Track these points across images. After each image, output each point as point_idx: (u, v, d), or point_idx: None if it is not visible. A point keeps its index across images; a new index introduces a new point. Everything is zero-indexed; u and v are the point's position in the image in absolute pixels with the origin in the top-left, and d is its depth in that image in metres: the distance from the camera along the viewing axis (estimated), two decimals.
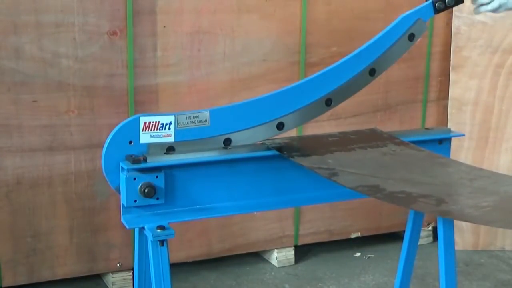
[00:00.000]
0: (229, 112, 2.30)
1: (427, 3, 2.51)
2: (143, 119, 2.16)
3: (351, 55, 2.47)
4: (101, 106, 3.36)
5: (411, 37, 2.49)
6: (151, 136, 2.18)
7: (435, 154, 2.39)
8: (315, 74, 2.44)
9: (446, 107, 4.09)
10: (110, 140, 2.14)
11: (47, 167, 3.32)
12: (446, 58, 4.06)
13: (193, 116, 2.22)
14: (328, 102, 2.42)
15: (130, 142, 2.16)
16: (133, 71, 3.38)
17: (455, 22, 3.99)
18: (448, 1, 2.49)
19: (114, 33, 3.33)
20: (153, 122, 2.17)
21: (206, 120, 2.24)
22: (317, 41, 3.76)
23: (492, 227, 3.98)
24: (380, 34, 2.48)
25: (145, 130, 2.17)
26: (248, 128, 2.32)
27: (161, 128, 2.19)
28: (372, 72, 2.48)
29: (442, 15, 4.03)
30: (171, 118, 2.19)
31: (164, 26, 3.42)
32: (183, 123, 2.21)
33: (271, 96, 2.39)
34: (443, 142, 2.58)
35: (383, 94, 3.98)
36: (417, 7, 2.52)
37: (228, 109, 2.33)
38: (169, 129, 2.20)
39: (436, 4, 2.49)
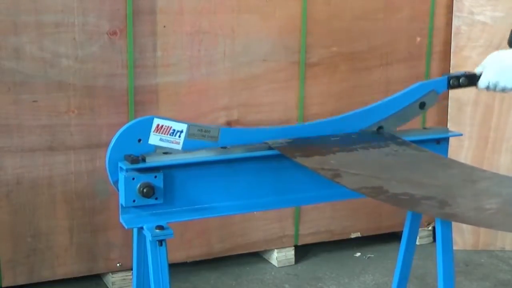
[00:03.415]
0: (238, 134, 2.33)
1: (442, 78, 2.61)
2: (156, 121, 2.18)
3: (360, 109, 2.53)
4: (101, 106, 3.36)
5: (422, 105, 2.57)
6: (161, 139, 2.19)
7: (437, 155, 2.40)
8: (322, 120, 2.49)
9: (446, 107, 4.09)
10: (121, 134, 2.15)
11: (47, 167, 3.32)
12: (446, 58, 4.06)
13: (205, 130, 2.25)
14: None
15: (139, 140, 2.17)
16: (133, 71, 3.39)
17: (455, 22, 3.99)
18: (461, 81, 2.59)
19: (114, 33, 3.33)
20: (165, 126, 2.20)
21: (215, 137, 2.26)
22: (317, 41, 3.76)
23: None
24: (394, 96, 2.57)
25: (156, 132, 2.19)
26: None
27: (172, 134, 2.21)
28: (380, 130, 2.53)
29: (442, 14, 4.05)
30: (183, 127, 2.21)
31: (164, 26, 3.42)
32: (194, 134, 2.23)
33: (279, 128, 2.43)
34: (441, 142, 2.59)
35: (383, 94, 3.94)
36: (433, 79, 2.65)
37: (238, 131, 2.39)
38: (179, 137, 2.22)
39: (451, 81, 2.59)
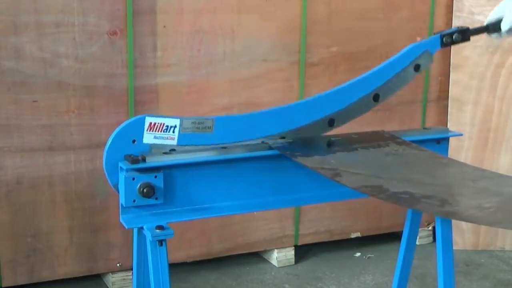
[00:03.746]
0: (233, 122, 2.31)
1: (435, 37, 2.55)
2: (148, 119, 2.17)
3: (355, 79, 2.48)
4: (101, 106, 3.37)
5: (417, 68, 2.53)
6: (155, 137, 2.18)
7: (437, 154, 2.40)
8: (318, 95, 2.45)
9: (446, 107, 4.09)
10: (114, 136, 2.14)
11: (47, 167, 3.33)
12: (446, 58, 4.06)
13: (198, 122, 2.23)
14: (331, 123, 2.43)
15: (134, 141, 2.16)
16: (133, 71, 3.39)
17: (455, 22, 3.99)
18: (455, 37, 2.54)
19: (114, 33, 3.33)
20: (158, 123, 2.18)
21: (210, 127, 2.24)
22: (317, 41, 3.76)
23: (494, 227, 3.99)
24: (388, 61, 2.51)
25: (150, 131, 2.17)
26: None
27: (165, 131, 2.19)
28: (376, 98, 2.49)
29: (442, 15, 4.05)
30: (176, 122, 2.20)
31: (164, 26, 3.42)
32: (188, 128, 2.22)
33: (274, 111, 2.40)
34: (441, 142, 2.58)
35: None
36: (425, 40, 2.57)
37: (232, 119, 2.35)
38: (173, 132, 2.20)
39: (444, 39, 2.54)
